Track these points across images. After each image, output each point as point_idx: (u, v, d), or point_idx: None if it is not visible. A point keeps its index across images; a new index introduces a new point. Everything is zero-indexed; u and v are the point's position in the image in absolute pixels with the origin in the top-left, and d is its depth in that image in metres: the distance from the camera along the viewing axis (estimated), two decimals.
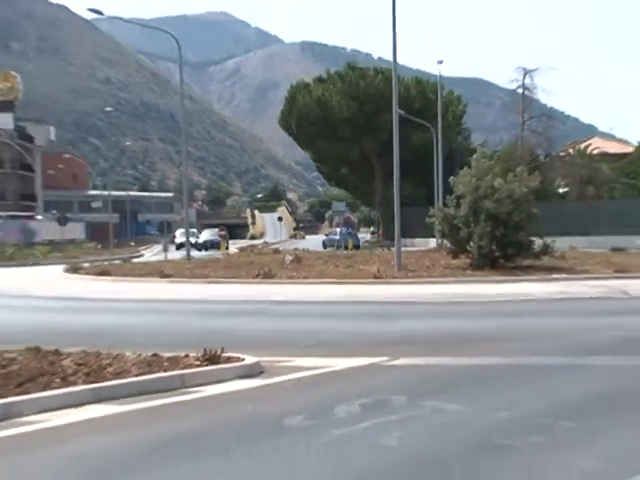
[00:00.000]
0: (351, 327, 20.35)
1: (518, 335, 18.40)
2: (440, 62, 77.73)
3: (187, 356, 13.33)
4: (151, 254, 74.56)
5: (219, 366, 13.01)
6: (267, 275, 34.54)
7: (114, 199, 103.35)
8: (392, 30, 36.93)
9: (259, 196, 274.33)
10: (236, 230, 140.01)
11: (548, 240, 37.66)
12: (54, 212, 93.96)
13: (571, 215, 63.53)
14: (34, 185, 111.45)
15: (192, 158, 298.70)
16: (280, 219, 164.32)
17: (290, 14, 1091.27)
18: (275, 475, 7.93)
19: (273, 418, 10.07)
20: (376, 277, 33.52)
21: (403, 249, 40.41)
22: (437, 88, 77.94)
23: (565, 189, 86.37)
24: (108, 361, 13.00)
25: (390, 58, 38.86)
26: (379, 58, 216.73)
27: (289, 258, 44.14)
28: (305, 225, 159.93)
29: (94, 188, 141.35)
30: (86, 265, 47.69)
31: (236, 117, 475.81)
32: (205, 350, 13.26)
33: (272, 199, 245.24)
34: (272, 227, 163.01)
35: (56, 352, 13.40)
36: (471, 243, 35.65)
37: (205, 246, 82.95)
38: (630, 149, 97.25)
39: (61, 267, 47.17)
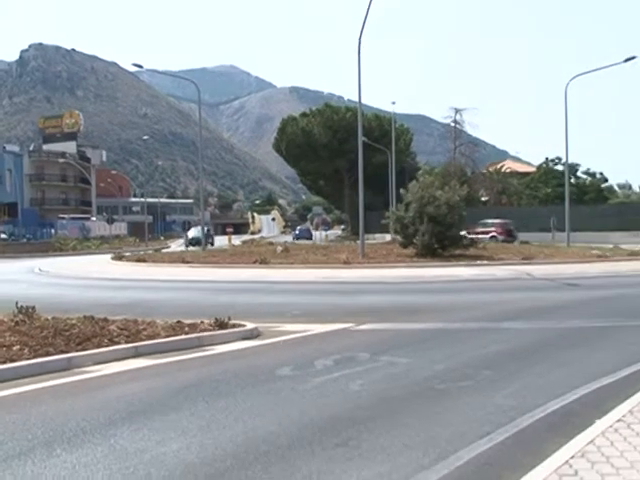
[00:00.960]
0: (326, 301, 20.32)
1: (452, 306, 18.44)
2: (393, 103, 78.69)
3: (202, 322, 13.32)
4: (176, 246, 74.36)
5: (227, 330, 13.03)
6: (263, 262, 34.48)
7: (149, 204, 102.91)
8: (358, 79, 37.00)
9: (257, 202, 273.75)
10: (240, 228, 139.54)
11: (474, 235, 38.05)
12: (104, 215, 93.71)
13: (490, 216, 63.60)
14: (90, 194, 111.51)
15: (207, 173, 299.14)
16: (273, 219, 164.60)
17: (281, 66, 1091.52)
18: (269, 410, 7.90)
19: (267, 369, 10.07)
20: (345, 263, 33.53)
21: (366, 242, 40.42)
22: (391, 122, 78.53)
23: (486, 198, 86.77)
24: (143, 326, 13.00)
25: (357, 99, 38.97)
26: (348, 100, 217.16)
27: (279, 249, 44.11)
28: (292, 224, 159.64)
29: (134, 196, 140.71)
30: (127, 254, 47.43)
31: (240, 143, 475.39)
32: (216, 318, 13.25)
33: (267, 204, 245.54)
34: (267, 225, 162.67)
35: (105, 320, 13.34)
36: (417, 237, 35.81)
37: (192, 242, 69.13)
38: (532, 169, 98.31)
39: (109, 256, 47.09)
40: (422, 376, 9.64)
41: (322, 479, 5.87)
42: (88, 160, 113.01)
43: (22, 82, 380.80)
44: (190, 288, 25.41)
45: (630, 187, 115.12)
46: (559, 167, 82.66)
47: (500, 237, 53.22)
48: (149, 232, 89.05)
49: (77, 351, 10.94)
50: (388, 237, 54.87)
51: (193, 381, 9.46)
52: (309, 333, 13.64)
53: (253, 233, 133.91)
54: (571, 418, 7.50)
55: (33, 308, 13.74)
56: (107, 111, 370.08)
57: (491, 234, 53.18)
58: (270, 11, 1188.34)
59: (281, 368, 10.10)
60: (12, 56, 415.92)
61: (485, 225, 55.07)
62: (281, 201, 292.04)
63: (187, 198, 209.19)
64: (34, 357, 10.43)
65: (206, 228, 67.76)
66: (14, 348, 10.79)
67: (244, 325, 13.47)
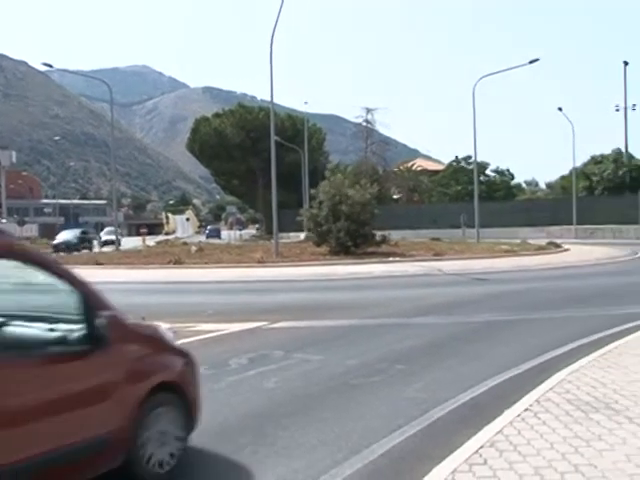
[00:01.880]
0: (241, 300, 20.27)
1: (365, 303, 18.59)
2: (306, 102, 79.18)
3: None
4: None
5: None
6: (177, 262, 34.15)
7: (61, 206, 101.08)
8: (270, 78, 36.93)
9: (171, 202, 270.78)
10: (154, 228, 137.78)
11: (386, 232, 38.56)
12: (15, 217, 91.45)
13: (402, 214, 64.61)
14: (0, 196, 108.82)
15: (120, 174, 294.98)
16: (188, 219, 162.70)
17: (195, 66, 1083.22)
18: None
19: None
20: (260, 262, 33.44)
21: (280, 241, 40.41)
22: (304, 121, 78.75)
23: (398, 195, 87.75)
24: None
25: (269, 99, 38.93)
26: (261, 99, 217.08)
27: (194, 248, 43.72)
28: (207, 224, 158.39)
29: (45, 198, 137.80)
30: None
31: (154, 143, 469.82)
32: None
33: (181, 204, 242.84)
34: (181, 225, 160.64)
35: None
36: (330, 235, 36.00)
37: (59, 248, 53.62)
38: (442, 167, 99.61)
39: None
40: (336, 372, 9.71)
41: (237, 477, 5.86)
42: None
43: None
44: (103, 290, 24.85)
45: (537, 184, 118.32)
46: (470, 165, 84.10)
47: None
48: None
49: None
50: (302, 236, 54.93)
51: None
52: (224, 332, 13.57)
53: (167, 233, 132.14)
54: (480, 409, 7.66)
55: None
56: (17, 111, 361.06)
57: None
58: (183, 10, 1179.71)
59: None
60: None
61: None
62: (195, 201, 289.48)
63: (100, 199, 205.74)
64: None
65: (80, 230, 64.91)
66: None
67: (158, 325, 13.29)
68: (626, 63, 72.51)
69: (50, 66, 54.29)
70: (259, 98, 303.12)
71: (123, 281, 27.56)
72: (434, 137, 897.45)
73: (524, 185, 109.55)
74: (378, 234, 38.04)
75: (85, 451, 5.13)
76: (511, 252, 37.33)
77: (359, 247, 36.79)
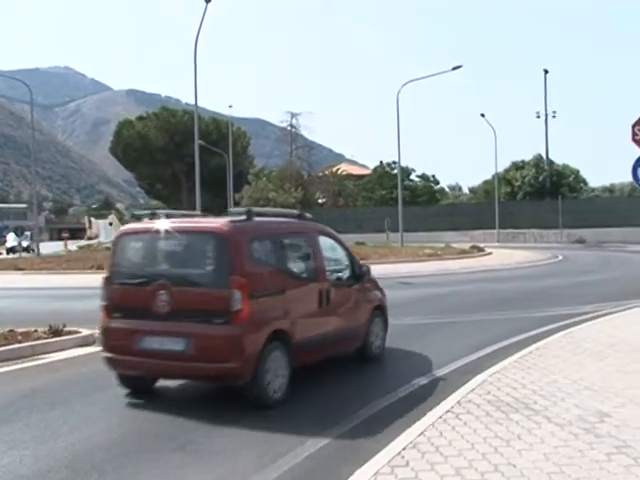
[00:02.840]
0: None
1: None
2: (230, 106, 78.50)
3: (36, 331, 12.85)
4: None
5: (62, 338, 12.69)
6: (99, 267, 33.48)
7: None
8: (194, 82, 36.82)
9: (94, 206, 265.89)
10: (76, 233, 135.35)
11: None
12: None
13: (327, 219, 64.36)
14: None
15: (41, 177, 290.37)
16: (111, 224, 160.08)
17: (118, 68, 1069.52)
18: (106, 417, 7.86)
19: (105, 375, 9.73)
20: None
21: None
22: (228, 125, 78.51)
23: (323, 200, 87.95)
24: None
25: (194, 102, 38.80)
26: (186, 103, 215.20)
27: None
28: None
29: None
30: None
31: (76, 146, 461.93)
32: (50, 326, 12.87)
33: (104, 208, 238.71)
34: (105, 230, 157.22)
35: None
36: None
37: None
38: (368, 172, 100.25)
39: None
40: None
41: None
42: None
43: None
44: (23, 296, 24.41)
45: (460, 189, 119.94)
46: (394, 170, 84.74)
47: None
48: None
49: None
50: None
51: (27, 391, 9.15)
52: None
53: (90, 238, 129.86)
54: (403, 411, 7.75)
55: None
56: None
57: None
58: (106, 11, 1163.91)
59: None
60: None
61: None
62: (119, 205, 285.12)
63: (21, 203, 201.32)
64: None
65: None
66: None
67: (80, 332, 13.16)
68: (546, 71, 74.37)
69: None
70: (184, 101, 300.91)
71: (44, 287, 27.09)
72: (360, 142, 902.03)
73: (448, 190, 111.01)
74: None
75: (351, 333, 10.29)
76: (435, 256, 37.85)
77: None
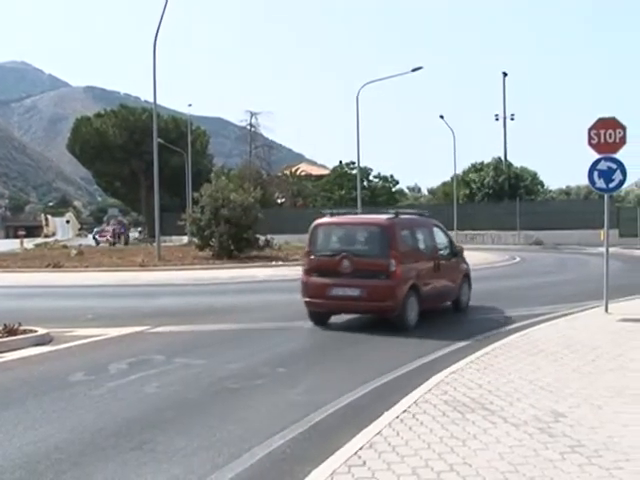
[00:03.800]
0: (121, 304, 19.95)
1: (247, 307, 18.65)
2: (190, 105, 78.35)
3: None
4: None
5: (17, 337, 12.46)
6: (56, 265, 33.35)
7: None
8: (153, 79, 36.63)
9: (51, 204, 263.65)
10: (33, 230, 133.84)
11: (269, 237, 38.99)
12: None
13: (286, 218, 64.49)
14: None
15: None
16: (68, 222, 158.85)
17: (77, 64, 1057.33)
18: (62, 417, 7.72)
19: (60, 375, 9.82)
20: (141, 265, 33.09)
21: (162, 244, 40.04)
22: (188, 124, 78.15)
23: (282, 200, 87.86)
24: None
25: (153, 100, 38.59)
26: (145, 101, 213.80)
27: (74, 252, 42.90)
28: (88, 226, 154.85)
29: None
30: None
31: (33, 143, 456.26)
32: (5, 324, 12.66)
33: (61, 206, 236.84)
34: (61, 228, 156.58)
35: None
36: (213, 239, 35.95)
37: None
38: (327, 172, 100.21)
39: None
40: (217, 376, 9.69)
41: None
42: None
43: None
44: None
45: (419, 190, 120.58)
46: (353, 171, 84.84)
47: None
48: None
49: None
50: (185, 239, 54.51)
51: None
52: (103, 337, 13.33)
53: (47, 236, 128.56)
54: (360, 411, 7.77)
55: None
56: None
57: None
58: (63, 5, 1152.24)
59: (74, 374, 9.87)
60: None
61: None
62: (76, 203, 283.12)
63: None
64: None
65: None
66: None
67: (35, 331, 12.97)
68: (505, 74, 74.83)
69: None
70: (143, 99, 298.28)
71: None
72: (320, 142, 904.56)
73: (407, 191, 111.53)
74: (261, 238, 38.20)
75: (451, 290, 16.11)
76: None
77: (242, 251, 36.85)
